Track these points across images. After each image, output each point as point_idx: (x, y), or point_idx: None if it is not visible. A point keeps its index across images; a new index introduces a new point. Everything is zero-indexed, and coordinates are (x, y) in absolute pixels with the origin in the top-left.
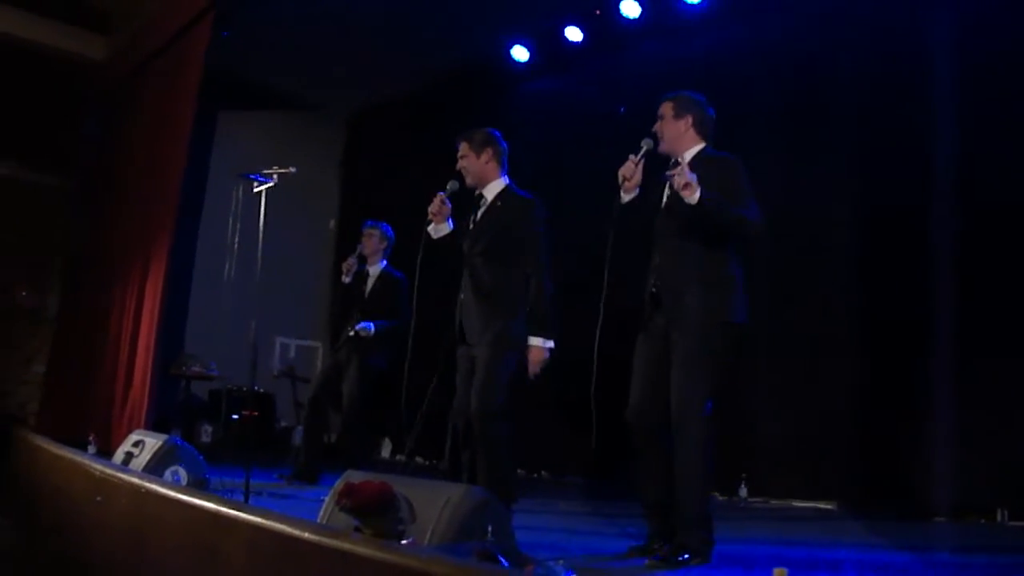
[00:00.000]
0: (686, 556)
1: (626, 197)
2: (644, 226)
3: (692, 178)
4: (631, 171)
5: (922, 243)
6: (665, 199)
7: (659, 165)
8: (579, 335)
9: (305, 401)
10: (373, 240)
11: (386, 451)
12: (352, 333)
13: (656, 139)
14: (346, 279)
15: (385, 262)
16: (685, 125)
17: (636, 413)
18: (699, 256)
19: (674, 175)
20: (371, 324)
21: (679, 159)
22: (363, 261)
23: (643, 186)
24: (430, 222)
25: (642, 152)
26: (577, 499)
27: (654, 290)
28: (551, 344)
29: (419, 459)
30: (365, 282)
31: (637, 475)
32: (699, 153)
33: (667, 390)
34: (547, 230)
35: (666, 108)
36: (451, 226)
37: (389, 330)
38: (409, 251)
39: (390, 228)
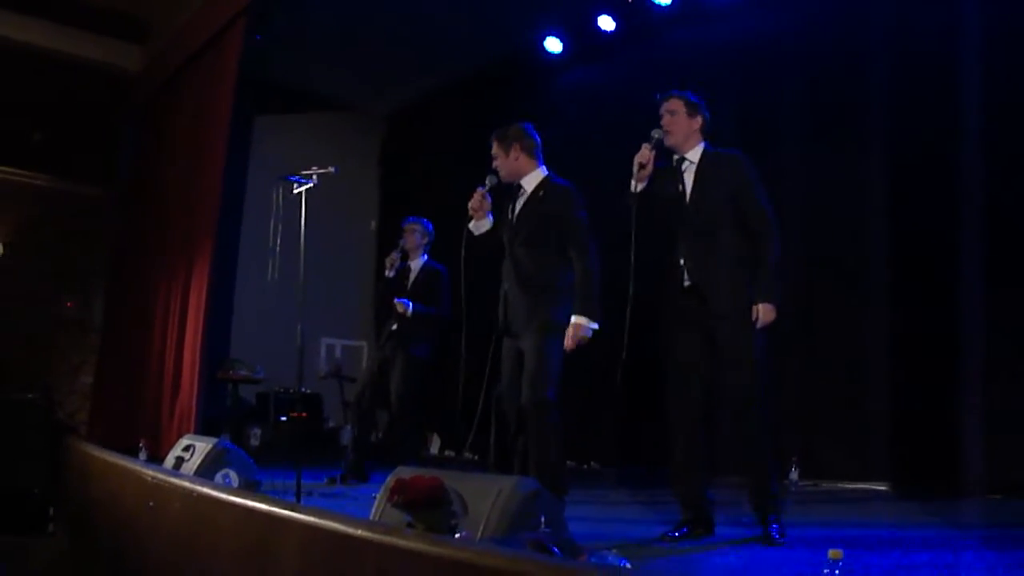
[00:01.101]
0: (776, 530)
1: (640, 186)
2: (660, 216)
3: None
4: (647, 158)
5: (958, 228)
6: (688, 191)
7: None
8: (624, 322)
9: (352, 400)
10: (415, 236)
11: (435, 447)
12: (395, 327)
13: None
14: (389, 274)
15: (426, 256)
16: (696, 124)
17: (683, 406)
18: (734, 249)
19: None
20: (408, 302)
21: (684, 156)
22: (405, 257)
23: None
24: (471, 219)
25: (654, 140)
26: (628, 488)
27: (688, 283)
28: (595, 325)
29: (467, 455)
30: (407, 277)
31: (677, 465)
32: (705, 152)
33: (711, 381)
34: (588, 215)
35: (678, 104)
36: (491, 221)
37: (428, 316)
38: (451, 247)
39: (430, 224)
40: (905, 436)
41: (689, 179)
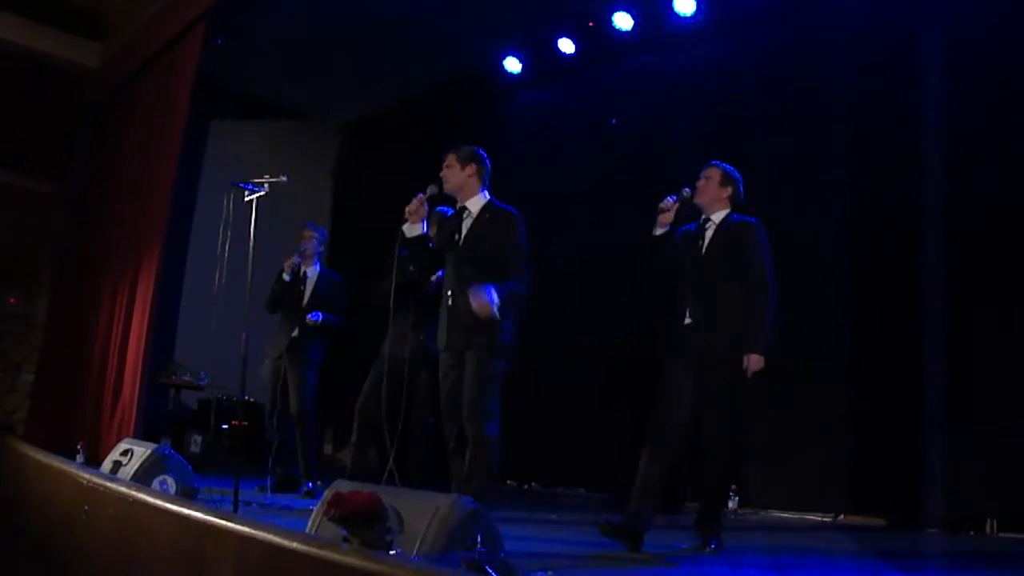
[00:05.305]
0: (715, 545)
1: (659, 231)
2: (673, 261)
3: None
4: (669, 206)
5: (916, 254)
6: (706, 247)
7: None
8: (569, 346)
9: (268, 414)
10: (313, 242)
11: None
12: (295, 334)
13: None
14: (287, 277)
15: (320, 264)
16: (725, 193)
17: (674, 430)
18: (735, 301)
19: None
20: (319, 315)
21: (709, 217)
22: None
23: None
24: (405, 221)
25: (682, 196)
26: (567, 509)
27: (689, 321)
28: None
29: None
30: (303, 283)
31: (645, 483)
32: (728, 217)
33: (693, 412)
34: (529, 244)
35: (714, 172)
36: (424, 229)
37: (333, 326)
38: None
39: (325, 231)
40: (847, 468)
41: (709, 236)
